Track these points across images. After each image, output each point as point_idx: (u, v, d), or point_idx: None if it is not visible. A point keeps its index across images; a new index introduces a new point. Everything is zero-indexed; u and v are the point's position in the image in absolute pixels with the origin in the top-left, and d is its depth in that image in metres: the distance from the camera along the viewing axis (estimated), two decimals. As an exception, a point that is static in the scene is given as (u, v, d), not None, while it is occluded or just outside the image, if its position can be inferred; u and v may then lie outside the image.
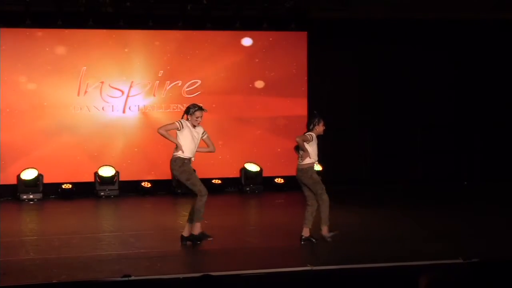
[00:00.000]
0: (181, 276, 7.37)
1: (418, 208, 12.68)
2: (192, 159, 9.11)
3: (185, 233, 9.22)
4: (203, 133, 9.20)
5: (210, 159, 14.22)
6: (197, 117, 9.04)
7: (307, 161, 9.24)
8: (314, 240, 9.24)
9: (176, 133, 9.09)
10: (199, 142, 9.18)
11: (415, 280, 4.89)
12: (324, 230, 9.24)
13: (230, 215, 12.26)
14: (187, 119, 9.10)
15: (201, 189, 9.03)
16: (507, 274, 7.23)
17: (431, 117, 16.16)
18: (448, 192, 14.90)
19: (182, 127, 9.03)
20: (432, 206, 12.92)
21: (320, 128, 9.30)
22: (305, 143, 9.15)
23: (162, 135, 9.09)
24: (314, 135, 9.26)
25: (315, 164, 9.36)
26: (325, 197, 9.24)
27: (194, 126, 9.08)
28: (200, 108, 9.08)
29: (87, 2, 13.99)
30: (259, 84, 15.14)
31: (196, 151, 9.22)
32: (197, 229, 9.08)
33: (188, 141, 9.02)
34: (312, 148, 9.23)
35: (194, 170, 9.26)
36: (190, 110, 9.09)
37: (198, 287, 5.26)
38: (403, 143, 16.07)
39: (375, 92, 15.78)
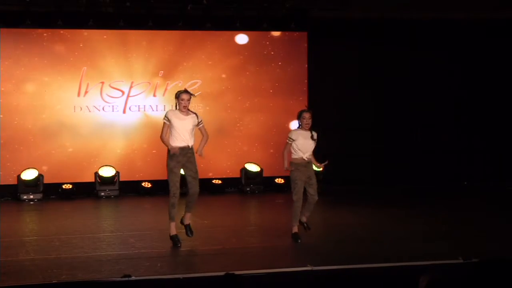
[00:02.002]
0: (181, 276, 7.36)
1: (418, 208, 12.67)
2: (189, 145, 8.90)
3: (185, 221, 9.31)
4: (199, 123, 9.00)
5: (211, 159, 14.22)
6: (182, 99, 8.87)
7: (293, 155, 9.29)
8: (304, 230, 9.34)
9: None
10: (193, 129, 8.93)
11: (415, 280, 4.88)
12: (294, 229, 9.28)
13: (230, 215, 12.27)
14: (176, 107, 8.98)
15: (171, 189, 8.98)
16: (507, 274, 7.22)
17: (431, 117, 16.15)
18: (448, 192, 14.90)
19: (169, 121, 8.91)
20: (432, 206, 12.91)
21: (302, 121, 9.30)
22: (289, 143, 9.22)
23: (164, 143, 9.02)
24: (293, 134, 9.25)
25: (302, 160, 9.20)
26: (294, 198, 9.19)
27: (186, 114, 8.89)
28: (186, 91, 8.98)
29: (87, 2, 14.00)
30: (259, 84, 15.14)
31: (202, 148, 9.04)
32: (171, 229, 9.10)
33: (178, 131, 8.86)
34: (297, 144, 9.21)
35: (193, 164, 9.01)
36: (176, 94, 9.00)
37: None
38: (403, 143, 16.07)
39: (375, 92, 15.78)
